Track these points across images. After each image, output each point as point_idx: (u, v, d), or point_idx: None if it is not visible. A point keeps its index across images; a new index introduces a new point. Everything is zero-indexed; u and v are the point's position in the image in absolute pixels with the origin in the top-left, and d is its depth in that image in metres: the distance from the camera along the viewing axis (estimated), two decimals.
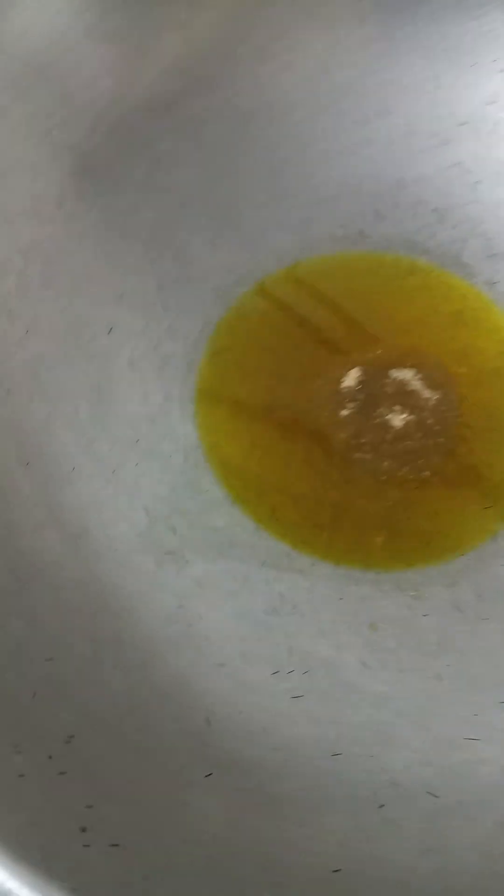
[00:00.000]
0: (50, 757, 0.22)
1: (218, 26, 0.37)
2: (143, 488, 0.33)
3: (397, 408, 0.36)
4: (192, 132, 0.38)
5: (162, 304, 0.36)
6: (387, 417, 0.36)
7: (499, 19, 0.38)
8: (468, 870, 0.23)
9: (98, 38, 0.35)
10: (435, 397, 0.36)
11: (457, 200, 0.39)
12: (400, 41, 0.38)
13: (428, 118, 0.39)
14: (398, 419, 0.36)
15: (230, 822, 0.24)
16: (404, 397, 0.36)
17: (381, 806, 0.26)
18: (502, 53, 0.39)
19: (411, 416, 0.36)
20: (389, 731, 0.28)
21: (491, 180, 0.39)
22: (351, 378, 0.37)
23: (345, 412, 0.36)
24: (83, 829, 0.20)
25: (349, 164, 0.39)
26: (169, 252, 0.37)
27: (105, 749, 0.24)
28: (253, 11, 0.37)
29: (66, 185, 0.35)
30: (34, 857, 0.18)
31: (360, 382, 0.36)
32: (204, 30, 0.37)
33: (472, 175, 0.39)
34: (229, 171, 0.39)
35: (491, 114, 0.39)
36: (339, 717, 0.29)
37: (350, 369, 0.37)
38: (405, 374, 0.37)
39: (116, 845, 0.20)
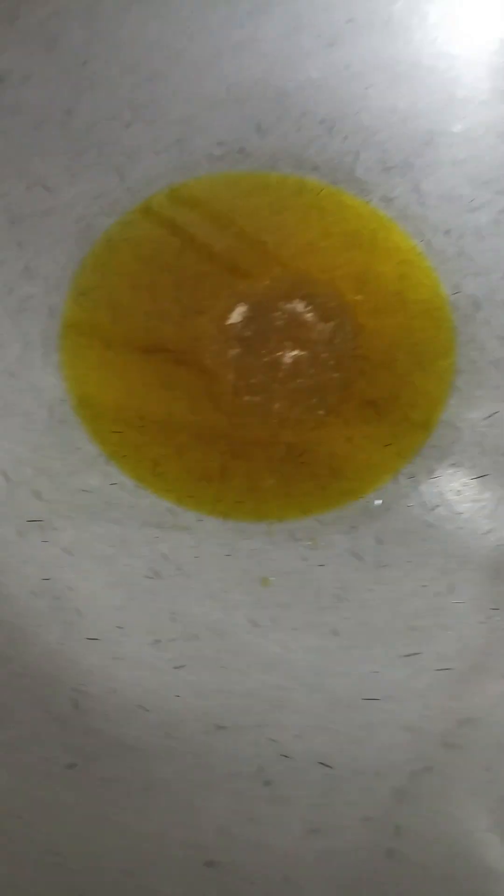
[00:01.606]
0: None
1: None
2: (1, 451, 0.29)
3: (288, 343, 0.33)
4: (42, 42, 0.34)
5: (16, 241, 0.32)
6: (277, 354, 0.32)
7: None
8: (356, 851, 0.20)
9: None
10: (329, 329, 0.33)
11: (347, 109, 0.35)
12: None
13: (311, 15, 0.35)
14: (289, 356, 0.32)
15: (92, 819, 0.21)
16: (295, 331, 0.33)
17: (268, 783, 0.23)
18: None
19: (303, 352, 0.32)
20: (281, 696, 0.26)
21: (383, 84, 0.35)
22: (237, 313, 0.33)
23: (232, 351, 0.33)
24: None
25: (223, 71, 0.35)
26: (22, 182, 0.33)
27: None
28: None
29: None
30: None
31: (247, 317, 0.33)
32: None
33: (362, 79, 0.35)
34: (89, 85, 0.34)
35: (381, 7, 0.35)
36: (225, 686, 0.26)
37: (236, 303, 0.33)
38: (296, 306, 0.33)
39: None
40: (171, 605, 0.28)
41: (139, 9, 0.35)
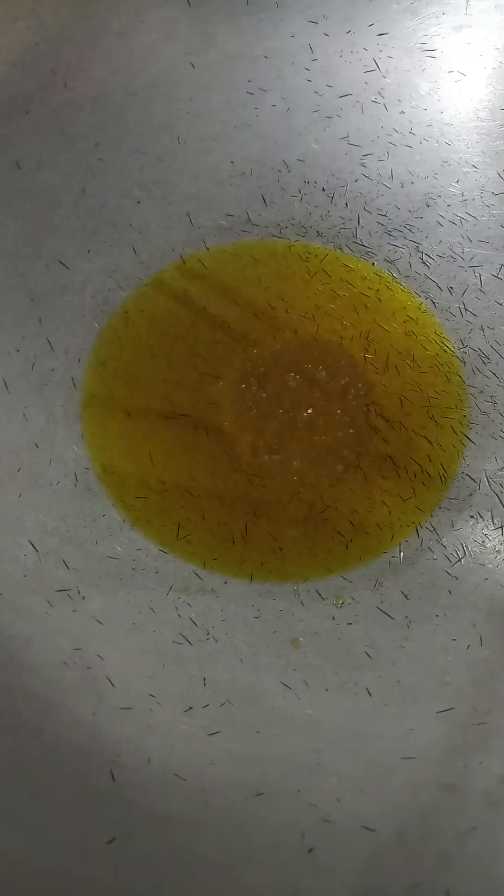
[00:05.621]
0: None
1: (69, 12, 0.34)
2: (28, 522, 0.30)
3: (303, 402, 0.33)
4: (55, 129, 0.35)
5: (37, 317, 0.33)
6: (292, 414, 0.33)
7: None
8: None
9: None
10: (341, 387, 0.34)
11: (346, 177, 0.37)
12: (264, 12, 0.36)
13: (306, 93, 0.37)
14: (304, 414, 0.33)
15: None
16: (309, 390, 0.34)
17: (311, 850, 0.23)
18: (378, 15, 0.37)
19: (318, 410, 0.33)
20: (318, 760, 0.26)
21: (379, 152, 0.37)
22: (252, 376, 0.34)
23: (248, 413, 0.33)
24: None
25: (227, 150, 0.36)
26: (39, 261, 0.34)
27: None
28: None
29: None
30: None
31: (262, 380, 0.34)
32: (53, 17, 0.34)
33: (359, 149, 0.37)
34: (100, 168, 0.36)
35: (372, 82, 0.37)
36: (261, 752, 0.26)
37: (251, 367, 0.34)
38: (308, 366, 0.34)
39: None
40: (202, 671, 0.28)
41: (144, 94, 0.36)
